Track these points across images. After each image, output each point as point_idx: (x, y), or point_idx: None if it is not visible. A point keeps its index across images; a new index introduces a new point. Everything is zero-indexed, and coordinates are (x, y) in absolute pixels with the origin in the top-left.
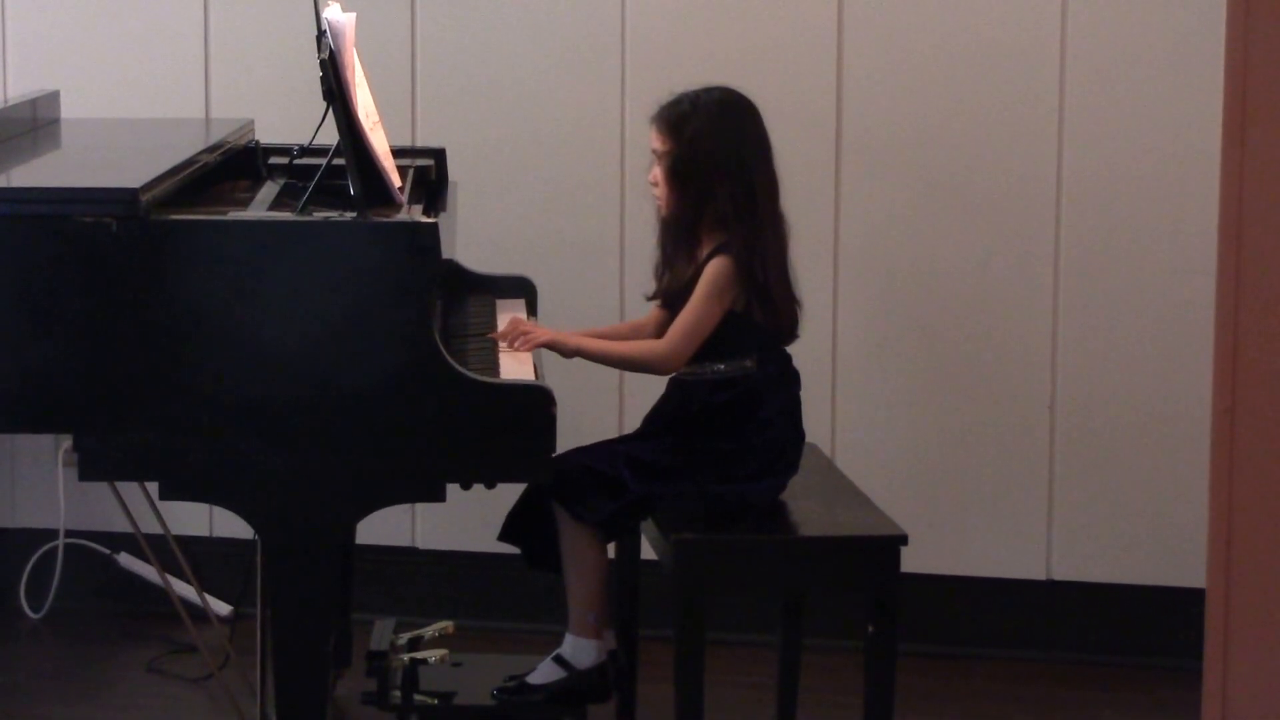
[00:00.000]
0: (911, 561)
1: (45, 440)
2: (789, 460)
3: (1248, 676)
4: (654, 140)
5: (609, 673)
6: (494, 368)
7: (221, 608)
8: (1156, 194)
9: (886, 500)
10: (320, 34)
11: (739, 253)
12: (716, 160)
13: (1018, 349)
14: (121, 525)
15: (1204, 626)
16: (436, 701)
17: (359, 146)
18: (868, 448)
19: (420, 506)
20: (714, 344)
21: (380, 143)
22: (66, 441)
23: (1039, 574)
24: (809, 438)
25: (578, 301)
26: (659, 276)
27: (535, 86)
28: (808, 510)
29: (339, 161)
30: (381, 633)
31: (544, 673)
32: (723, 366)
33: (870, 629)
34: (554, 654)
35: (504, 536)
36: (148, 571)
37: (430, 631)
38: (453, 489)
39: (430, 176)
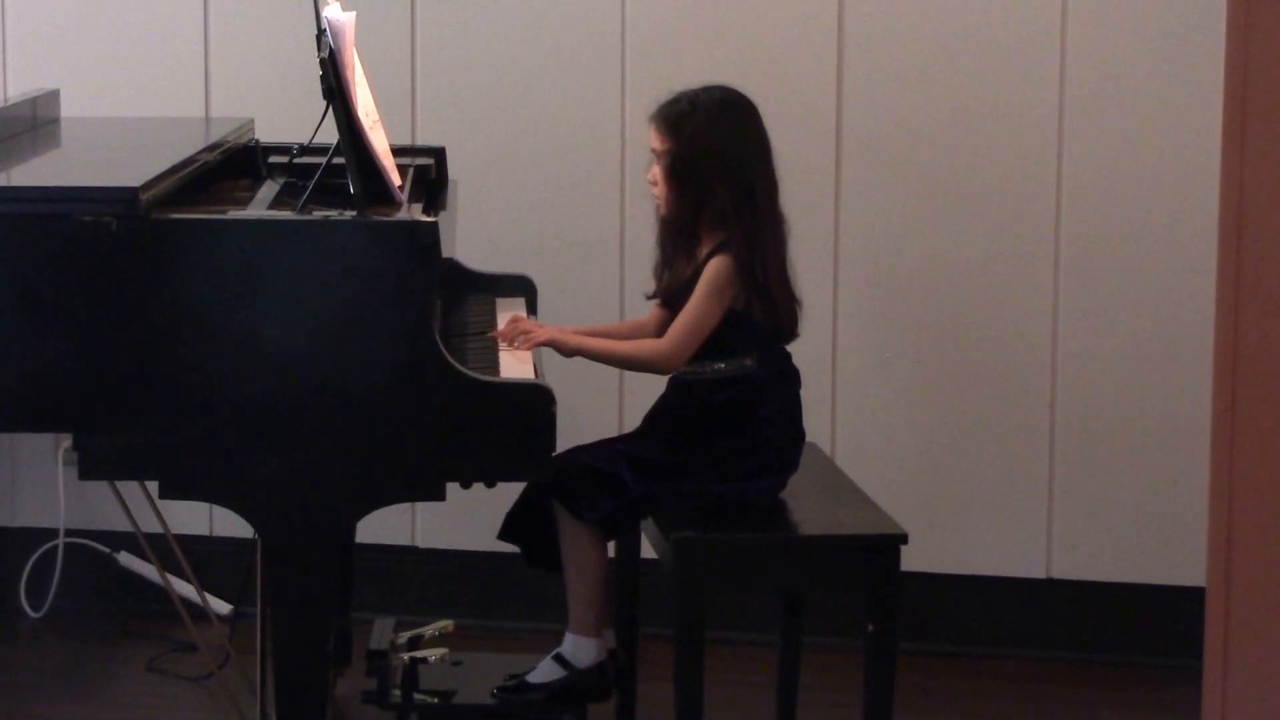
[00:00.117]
0: (911, 560)
1: (45, 440)
2: (789, 459)
3: (1248, 676)
4: (653, 139)
5: (609, 672)
6: (494, 367)
7: (221, 607)
8: (1156, 193)
9: (886, 499)
10: (320, 33)
11: (739, 251)
12: (716, 159)
13: (1018, 349)
14: (121, 524)
15: (1204, 626)
16: (436, 700)
17: (359, 145)
18: (868, 447)
19: (420, 505)
20: (714, 343)
21: (380, 142)
22: (66, 441)
23: (1039, 573)
24: (809, 437)
25: (578, 301)
26: (658, 276)
27: (535, 86)
28: (808, 509)
29: (339, 160)
30: (381, 632)
31: (544, 672)
32: (723, 365)
33: (870, 628)
34: (554, 653)
35: (504, 535)
36: (148, 571)
37: (430, 630)
38: (453, 488)
39: (430, 175)
